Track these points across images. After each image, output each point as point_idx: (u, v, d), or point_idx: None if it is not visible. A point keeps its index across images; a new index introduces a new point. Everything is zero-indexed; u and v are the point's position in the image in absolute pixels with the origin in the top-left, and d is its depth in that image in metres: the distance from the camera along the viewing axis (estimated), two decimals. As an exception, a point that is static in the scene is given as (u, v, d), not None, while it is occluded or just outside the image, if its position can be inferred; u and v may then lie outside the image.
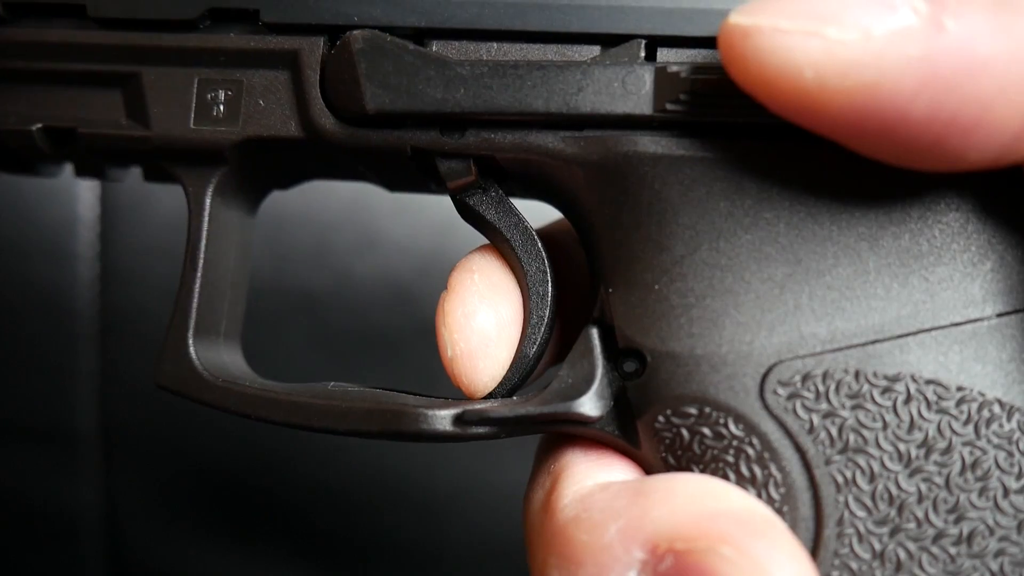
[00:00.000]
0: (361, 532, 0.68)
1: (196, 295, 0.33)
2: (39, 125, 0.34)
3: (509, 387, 0.32)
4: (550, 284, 0.32)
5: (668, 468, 0.29)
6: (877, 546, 0.28)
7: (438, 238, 0.64)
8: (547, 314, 0.32)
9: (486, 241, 0.33)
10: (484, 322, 0.31)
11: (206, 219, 0.33)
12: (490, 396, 0.32)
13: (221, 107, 0.32)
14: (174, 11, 0.32)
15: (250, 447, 0.68)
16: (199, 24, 0.32)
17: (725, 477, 0.28)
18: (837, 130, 0.25)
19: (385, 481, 0.67)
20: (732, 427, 0.28)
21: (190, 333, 0.33)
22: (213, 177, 0.33)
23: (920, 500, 0.27)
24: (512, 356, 0.32)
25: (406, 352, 0.64)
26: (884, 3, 0.24)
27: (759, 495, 0.28)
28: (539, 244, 0.32)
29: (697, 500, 0.27)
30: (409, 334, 0.64)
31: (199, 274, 0.33)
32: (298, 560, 0.69)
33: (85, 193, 0.68)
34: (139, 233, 0.67)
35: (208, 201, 0.33)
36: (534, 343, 0.32)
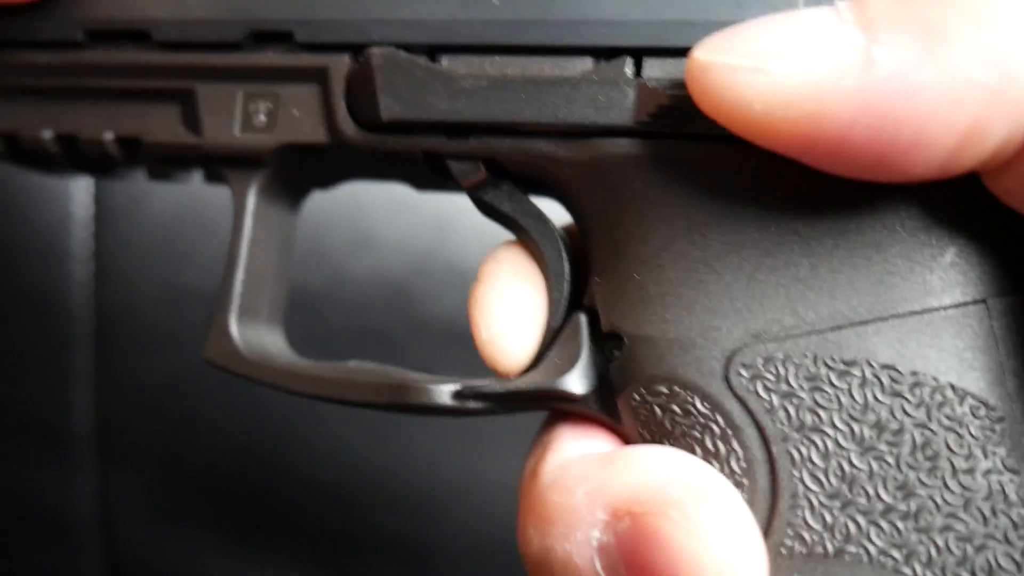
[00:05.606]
0: (358, 530, 0.68)
1: (238, 282, 0.37)
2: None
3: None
4: (565, 262, 0.34)
5: (644, 442, 0.32)
6: (828, 518, 0.29)
7: (433, 237, 0.64)
8: (565, 289, 0.34)
9: (509, 237, 0.36)
10: (512, 305, 0.34)
11: (249, 215, 0.37)
12: (525, 373, 0.34)
13: (262, 117, 0.36)
14: (222, 34, 0.36)
15: (246, 445, 0.68)
16: (243, 45, 0.36)
17: (692, 451, 0.31)
18: (789, 151, 0.27)
19: (383, 479, 0.67)
20: (699, 405, 0.31)
21: (232, 315, 0.37)
22: (255, 178, 0.37)
23: (871, 477, 0.29)
24: (542, 334, 0.34)
25: (401, 350, 0.64)
26: (825, 40, 0.26)
27: (722, 468, 0.30)
28: (552, 225, 0.34)
29: (656, 469, 0.30)
30: (404, 333, 0.64)
31: (242, 263, 0.37)
32: (294, 558, 0.69)
33: (79, 192, 0.68)
34: (133, 232, 0.67)
35: (251, 199, 0.37)
36: (559, 318, 0.34)
